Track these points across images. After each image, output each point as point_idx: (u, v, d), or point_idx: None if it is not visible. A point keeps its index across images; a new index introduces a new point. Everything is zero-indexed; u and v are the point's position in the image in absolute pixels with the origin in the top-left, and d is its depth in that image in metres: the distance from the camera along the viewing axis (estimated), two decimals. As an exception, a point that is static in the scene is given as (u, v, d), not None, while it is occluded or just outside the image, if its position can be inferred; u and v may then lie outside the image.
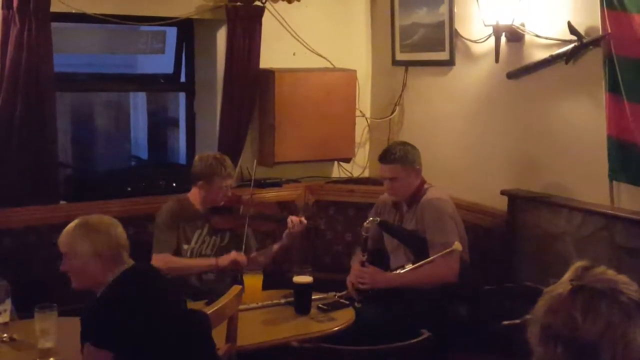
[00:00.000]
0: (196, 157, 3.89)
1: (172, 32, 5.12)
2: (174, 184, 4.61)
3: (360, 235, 3.67)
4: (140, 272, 2.62)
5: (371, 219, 3.67)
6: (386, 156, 3.72)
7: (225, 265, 3.70)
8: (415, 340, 2.91)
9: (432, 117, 4.72)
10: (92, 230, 2.54)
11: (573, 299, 1.47)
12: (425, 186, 3.74)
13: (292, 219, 3.80)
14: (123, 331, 2.37)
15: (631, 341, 1.47)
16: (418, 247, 3.61)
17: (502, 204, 4.06)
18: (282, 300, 3.49)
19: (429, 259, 3.51)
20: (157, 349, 2.43)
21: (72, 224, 2.59)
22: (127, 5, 4.30)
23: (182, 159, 5.35)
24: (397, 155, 3.69)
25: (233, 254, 3.71)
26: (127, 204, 4.17)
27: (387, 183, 3.73)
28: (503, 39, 4.04)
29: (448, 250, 3.48)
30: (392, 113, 4.97)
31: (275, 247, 3.93)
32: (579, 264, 1.57)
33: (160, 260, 3.58)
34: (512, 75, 4.07)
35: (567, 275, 1.54)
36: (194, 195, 3.82)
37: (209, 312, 2.59)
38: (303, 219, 3.84)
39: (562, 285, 1.52)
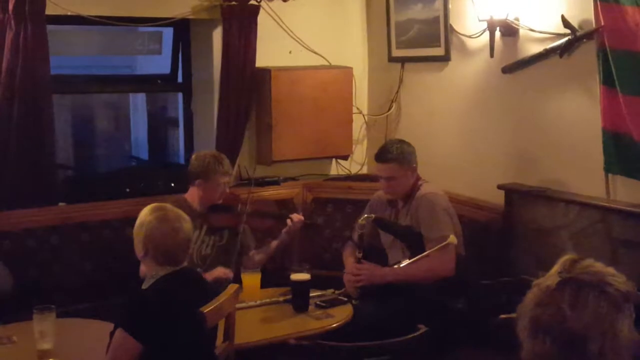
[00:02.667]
0: (193, 156, 3.90)
1: (168, 33, 5.13)
2: (173, 184, 4.61)
3: (355, 232, 3.69)
4: (188, 277, 2.69)
5: (366, 216, 3.68)
6: (382, 155, 3.72)
7: (210, 280, 3.69)
8: (412, 335, 2.92)
9: (428, 112, 4.73)
10: (148, 224, 2.60)
11: (561, 291, 1.48)
12: (420, 182, 3.75)
13: (291, 216, 3.82)
14: (158, 328, 2.47)
15: (619, 332, 1.48)
16: (413, 242, 3.62)
17: (498, 198, 4.06)
18: (281, 298, 3.51)
19: (424, 254, 3.52)
20: (182, 350, 2.51)
21: (148, 207, 2.67)
22: (123, 7, 4.31)
23: (181, 159, 5.35)
24: (393, 155, 3.69)
25: (218, 271, 3.67)
26: (126, 204, 4.17)
27: (384, 182, 3.74)
28: (497, 34, 4.05)
29: (443, 244, 3.49)
30: (389, 109, 4.98)
31: (274, 244, 3.93)
32: (567, 257, 1.57)
33: None
34: (507, 69, 4.08)
35: (555, 268, 1.55)
36: (192, 194, 3.82)
37: (206, 311, 2.60)
38: (301, 215, 3.86)
39: (550, 278, 1.53)
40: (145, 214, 2.65)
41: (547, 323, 1.48)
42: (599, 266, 1.54)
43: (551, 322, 1.47)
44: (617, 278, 1.52)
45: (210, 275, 3.67)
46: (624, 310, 1.50)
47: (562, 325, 1.46)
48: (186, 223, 2.65)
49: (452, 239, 3.49)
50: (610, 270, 1.54)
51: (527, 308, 1.53)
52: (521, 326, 1.54)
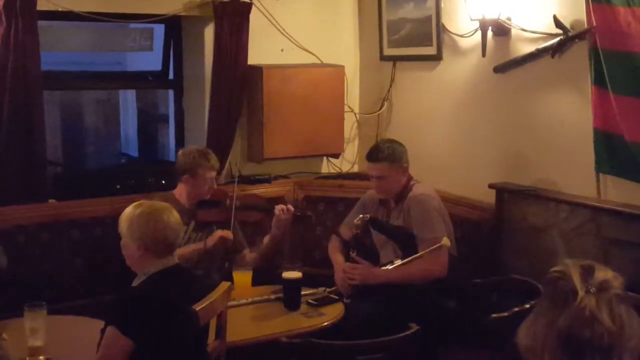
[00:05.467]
0: (179, 152, 3.90)
1: (159, 29, 5.11)
2: (163, 182, 4.60)
3: (343, 227, 3.69)
4: (179, 274, 2.68)
5: (361, 216, 3.68)
6: (373, 155, 3.73)
7: (213, 245, 3.68)
8: (403, 334, 2.92)
9: (420, 111, 4.73)
10: (138, 217, 2.60)
11: (599, 308, 1.44)
12: (412, 182, 3.75)
13: (279, 207, 3.80)
14: (150, 326, 2.45)
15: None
16: (406, 243, 3.62)
17: (490, 197, 4.07)
18: (272, 296, 3.50)
19: (417, 255, 3.53)
20: (174, 347, 2.51)
21: (131, 205, 2.67)
22: (114, 3, 4.29)
23: (172, 156, 5.34)
24: (384, 154, 3.70)
25: (218, 232, 3.71)
26: (117, 202, 4.15)
27: (375, 181, 3.75)
28: (489, 33, 4.06)
29: (436, 245, 3.50)
30: (381, 108, 4.98)
31: (266, 240, 3.92)
32: (577, 265, 1.51)
33: None
34: (498, 69, 4.09)
35: (578, 283, 1.47)
36: (179, 191, 3.82)
37: (197, 309, 2.59)
38: (290, 206, 3.84)
39: (581, 295, 1.46)
40: (129, 213, 2.63)
41: (590, 341, 1.44)
42: (602, 271, 1.51)
43: (600, 340, 1.43)
44: (617, 282, 1.50)
45: (211, 241, 3.66)
46: (633, 311, 1.49)
47: (609, 340, 1.44)
48: (171, 209, 2.67)
49: (445, 241, 3.50)
50: (610, 273, 1.52)
51: (561, 328, 1.46)
52: (544, 348, 1.49)
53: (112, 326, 2.45)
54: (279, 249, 4.18)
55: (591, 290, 1.45)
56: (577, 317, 1.44)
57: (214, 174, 3.83)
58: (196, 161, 3.76)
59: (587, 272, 1.49)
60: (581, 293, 1.45)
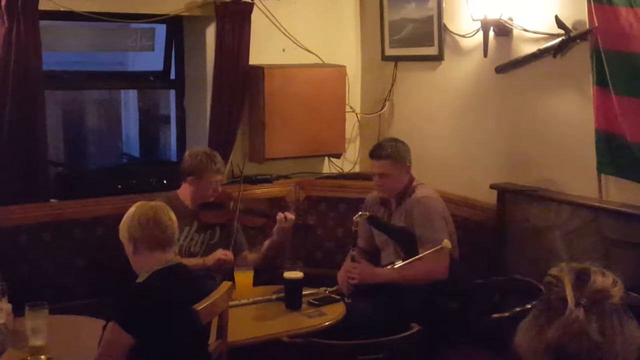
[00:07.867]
0: (186, 153, 3.90)
1: (161, 30, 5.11)
2: (165, 182, 4.60)
3: (351, 231, 3.69)
4: (181, 273, 2.70)
5: (360, 213, 3.68)
6: (377, 152, 3.73)
7: (212, 265, 3.69)
8: (404, 334, 2.93)
9: (421, 111, 4.73)
10: (126, 218, 2.67)
11: (589, 321, 1.42)
12: (414, 183, 3.75)
13: (282, 214, 3.81)
14: (151, 322, 2.47)
15: (635, 340, 1.46)
16: (407, 243, 3.62)
17: (491, 198, 4.07)
18: (273, 296, 3.50)
19: (418, 256, 3.52)
20: (175, 346, 2.52)
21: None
22: (116, 3, 4.29)
23: (173, 156, 5.34)
24: (387, 152, 3.70)
25: (219, 252, 3.71)
26: (118, 201, 4.16)
27: (377, 179, 3.75)
28: (491, 34, 4.06)
29: (437, 248, 3.49)
30: (382, 108, 4.98)
31: (266, 243, 3.93)
32: (573, 272, 1.49)
33: None
34: (500, 69, 4.08)
35: (569, 294, 1.45)
36: (184, 191, 3.82)
37: (199, 309, 2.60)
38: (293, 215, 3.85)
39: (571, 308, 1.44)
40: (125, 215, 2.71)
41: (578, 354, 1.42)
42: (600, 279, 1.49)
43: (584, 351, 1.42)
44: (616, 289, 1.48)
45: (210, 260, 3.66)
46: (630, 316, 1.48)
47: (597, 354, 1.42)
48: (161, 207, 2.70)
49: (447, 243, 3.49)
50: (608, 280, 1.49)
51: (550, 342, 1.45)
52: (535, 355, 1.48)
53: (113, 321, 2.46)
54: (280, 252, 4.18)
55: (582, 302, 1.43)
56: (566, 330, 1.43)
57: (219, 177, 3.82)
58: (203, 164, 3.75)
59: (581, 281, 1.46)
60: (571, 305, 1.43)
